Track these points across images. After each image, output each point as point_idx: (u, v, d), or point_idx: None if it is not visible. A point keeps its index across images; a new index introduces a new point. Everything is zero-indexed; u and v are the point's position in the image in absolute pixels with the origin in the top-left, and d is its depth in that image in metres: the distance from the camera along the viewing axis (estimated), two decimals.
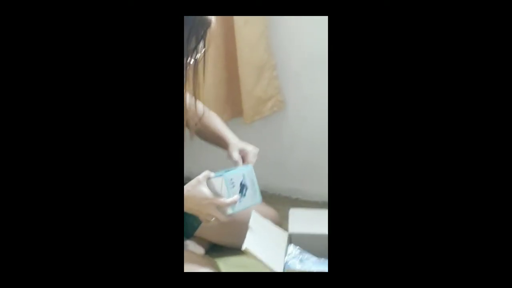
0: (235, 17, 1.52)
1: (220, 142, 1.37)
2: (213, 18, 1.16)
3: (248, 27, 1.54)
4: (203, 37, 1.15)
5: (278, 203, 1.57)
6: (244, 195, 1.25)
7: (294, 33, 1.61)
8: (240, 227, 1.28)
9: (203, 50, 1.17)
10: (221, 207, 1.19)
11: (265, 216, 1.36)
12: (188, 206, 1.18)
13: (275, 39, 1.61)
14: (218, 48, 1.59)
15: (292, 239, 1.33)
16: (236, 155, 1.31)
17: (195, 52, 1.16)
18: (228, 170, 1.25)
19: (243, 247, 1.18)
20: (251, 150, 1.33)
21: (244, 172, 1.26)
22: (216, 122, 1.41)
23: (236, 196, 1.21)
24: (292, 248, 1.29)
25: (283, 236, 1.33)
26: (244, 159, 1.31)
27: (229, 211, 1.20)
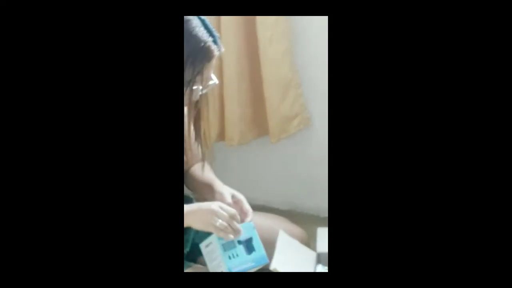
0: (259, 35, 1.52)
1: (206, 190, 1.28)
2: (216, 53, 1.09)
3: (272, 45, 1.54)
4: (200, 71, 1.09)
5: (306, 222, 1.55)
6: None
7: (318, 49, 1.61)
8: (267, 247, 1.27)
9: (200, 88, 1.11)
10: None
11: (293, 235, 1.34)
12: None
13: (300, 56, 1.61)
14: (243, 68, 1.60)
15: (321, 258, 1.31)
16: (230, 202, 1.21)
17: (190, 84, 1.10)
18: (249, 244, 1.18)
19: (272, 267, 1.17)
20: (242, 198, 1.23)
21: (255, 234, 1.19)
22: (208, 170, 1.33)
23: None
24: (321, 268, 1.27)
25: (311, 255, 1.32)
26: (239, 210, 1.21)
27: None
